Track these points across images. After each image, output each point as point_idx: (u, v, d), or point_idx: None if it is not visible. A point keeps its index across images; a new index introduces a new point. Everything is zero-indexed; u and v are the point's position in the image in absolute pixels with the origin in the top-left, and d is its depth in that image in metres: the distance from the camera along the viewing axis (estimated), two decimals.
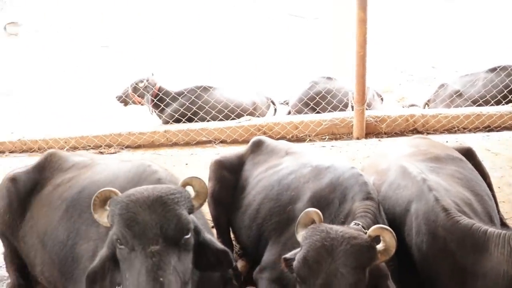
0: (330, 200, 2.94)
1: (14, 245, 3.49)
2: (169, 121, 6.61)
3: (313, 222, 2.36)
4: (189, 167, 5.13)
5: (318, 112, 6.73)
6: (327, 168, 3.19)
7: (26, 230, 3.34)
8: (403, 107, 8.37)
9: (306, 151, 3.78)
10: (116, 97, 6.99)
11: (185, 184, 2.33)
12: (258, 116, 6.73)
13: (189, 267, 2.16)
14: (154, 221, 2.06)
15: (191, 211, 2.21)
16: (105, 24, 14.28)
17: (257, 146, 3.88)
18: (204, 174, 4.80)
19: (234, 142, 6.10)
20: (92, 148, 6.16)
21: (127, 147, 6.20)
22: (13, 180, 3.47)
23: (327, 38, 10.99)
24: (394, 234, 2.22)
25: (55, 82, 10.25)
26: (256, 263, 3.21)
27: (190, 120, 6.52)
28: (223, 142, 6.16)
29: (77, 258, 2.90)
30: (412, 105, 8.05)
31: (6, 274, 3.68)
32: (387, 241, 2.20)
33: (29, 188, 3.47)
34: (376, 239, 2.24)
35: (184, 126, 6.30)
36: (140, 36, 12.18)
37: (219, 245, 2.44)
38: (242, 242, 3.52)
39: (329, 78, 7.13)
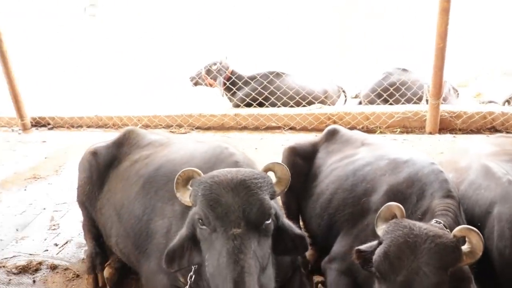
0: (407, 195, 2.83)
1: (92, 215, 3.67)
2: (240, 105, 6.67)
3: (394, 216, 2.29)
4: (258, 151, 5.15)
5: (390, 104, 6.53)
6: (405, 162, 3.07)
7: (104, 202, 3.50)
8: (480, 103, 7.96)
9: (383, 143, 3.66)
10: (189, 78, 7.12)
11: (267, 169, 2.32)
12: (329, 105, 6.65)
13: (268, 252, 2.15)
14: (237, 204, 2.06)
15: (272, 197, 2.20)
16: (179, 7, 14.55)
17: (332, 135, 3.82)
18: (273, 159, 4.83)
19: (304, 129, 6.06)
20: (163, 127, 6.33)
21: (197, 128, 6.30)
22: (94, 153, 3.65)
23: (395, 29, 10.64)
24: (482, 237, 2.10)
25: (131, 62, 10.59)
26: (324, 252, 3.17)
27: (260, 105, 6.54)
28: (292, 128, 6.13)
29: (151, 233, 2.98)
30: (491, 102, 7.63)
31: (84, 242, 3.88)
32: (474, 243, 2.09)
33: (108, 162, 3.63)
34: (461, 240, 2.14)
35: (254, 110, 6.32)
36: (213, 18, 12.30)
37: (297, 230, 2.42)
38: (311, 230, 3.48)
39: (404, 69, 6.88)
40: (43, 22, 17.16)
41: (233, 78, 6.73)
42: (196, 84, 7.12)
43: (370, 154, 3.34)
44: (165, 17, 14.31)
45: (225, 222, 2.04)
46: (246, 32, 11.53)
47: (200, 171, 2.31)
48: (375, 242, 2.30)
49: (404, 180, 2.92)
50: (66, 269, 3.71)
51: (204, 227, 2.12)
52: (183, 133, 6.19)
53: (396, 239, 2.12)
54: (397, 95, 6.55)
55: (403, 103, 6.52)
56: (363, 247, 2.36)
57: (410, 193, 2.84)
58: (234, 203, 2.06)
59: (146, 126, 6.32)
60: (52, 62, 11.29)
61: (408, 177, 2.92)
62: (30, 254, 3.94)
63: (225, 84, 6.78)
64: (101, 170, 3.58)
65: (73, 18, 19.08)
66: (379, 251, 2.15)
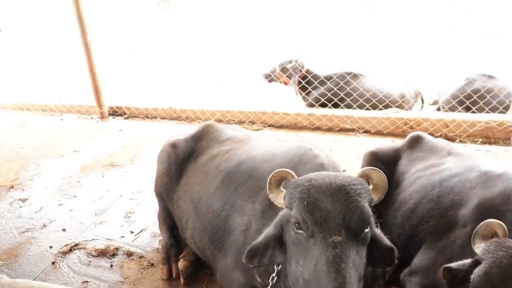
0: (502, 212, 2.63)
1: (168, 206, 3.74)
2: (314, 105, 6.57)
3: (494, 234, 2.13)
4: (332, 153, 5.05)
5: (473, 112, 6.20)
6: (499, 175, 2.86)
7: (181, 194, 3.54)
8: None
9: (472, 153, 3.45)
10: (263, 75, 7.11)
11: (363, 175, 2.22)
12: (406, 110, 6.42)
13: (364, 262, 2.07)
14: (337, 210, 1.98)
15: (370, 204, 2.10)
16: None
17: (416, 142, 3.66)
18: (347, 162, 4.74)
19: (379, 133, 5.89)
20: (235, 123, 6.37)
21: (270, 126, 6.29)
22: (173, 146, 3.71)
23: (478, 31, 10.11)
24: None
25: (204, 56, 10.76)
26: (403, 263, 3.04)
27: (335, 105, 6.41)
28: (366, 132, 5.97)
29: (229, 229, 2.98)
30: None
31: (158, 231, 3.97)
32: None
33: (187, 155, 3.68)
34: None
35: (328, 111, 6.22)
36: (289, 14, 12.25)
37: (387, 241, 2.32)
38: (390, 239, 3.37)
39: (490, 76, 6.49)
40: (119, 15, 17.86)
41: (309, 77, 6.64)
42: (270, 81, 7.10)
43: (458, 165, 3.16)
44: (239, 11, 14.45)
45: (324, 228, 1.96)
46: (322, 30, 11.40)
47: (293, 173, 2.26)
48: (468, 261, 2.15)
49: (499, 195, 2.72)
50: (141, 257, 3.81)
51: (300, 231, 2.05)
52: (256, 130, 6.19)
53: (499, 260, 1.96)
54: (481, 103, 6.18)
55: (487, 112, 6.17)
56: (453, 265, 2.22)
57: (505, 209, 2.63)
58: (334, 209, 1.98)
59: (219, 121, 6.38)
60: (129, 54, 11.70)
61: (503, 192, 2.72)
62: (108, 239, 4.09)
63: (300, 83, 6.71)
64: (179, 163, 3.64)
65: (147, 12, 19.75)
66: (479, 271, 2.00)
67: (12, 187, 5.25)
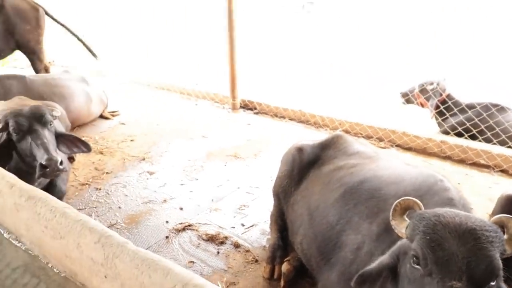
0: None
1: (283, 208, 3.73)
2: (450, 133, 6.12)
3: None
4: (460, 188, 4.66)
5: None
6: None
7: (298, 198, 3.51)
8: None
9: None
10: (400, 93, 6.81)
11: (497, 222, 1.99)
12: None
13: None
14: (462, 254, 1.81)
15: (501, 256, 1.88)
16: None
17: None
18: (476, 201, 4.33)
19: None
20: (363, 137, 6.18)
21: (397, 146, 6.01)
22: (300, 150, 3.69)
23: None
24: None
25: (344, 62, 10.65)
26: None
27: (472, 137, 5.90)
28: (503, 171, 5.41)
29: (340, 244, 2.88)
30: None
31: (268, 230, 3.99)
32: None
33: (311, 161, 3.64)
34: None
35: (464, 142, 5.75)
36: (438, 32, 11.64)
37: None
38: None
39: None
40: (264, 13, 18.34)
41: (449, 102, 6.19)
42: (407, 101, 6.77)
43: None
44: (385, 21, 14.06)
45: (444, 270, 1.80)
46: (467, 55, 10.65)
47: (421, 204, 2.10)
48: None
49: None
50: (247, 250, 3.86)
51: (417, 266, 1.92)
52: (382, 148, 5.95)
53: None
54: None
55: None
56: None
57: None
58: (459, 252, 1.81)
59: (346, 132, 6.24)
60: (267, 51, 11.98)
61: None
62: (219, 227, 4.20)
63: (438, 107, 6.29)
64: (303, 167, 3.61)
65: (291, 14, 20.03)
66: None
67: (144, 159, 5.66)
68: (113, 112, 7.28)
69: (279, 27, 15.97)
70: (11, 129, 3.92)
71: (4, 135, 4.00)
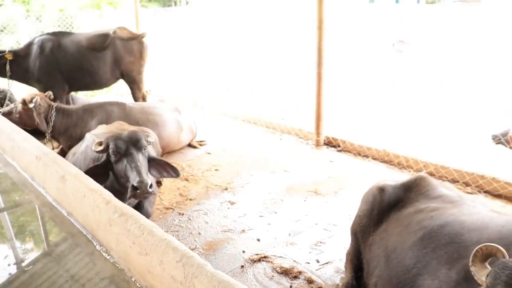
0: None
1: (360, 248, 3.69)
2: None
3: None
4: None
5: None
6: None
7: (376, 239, 3.47)
8: None
9: None
10: (492, 136, 6.49)
11: None
12: None
13: None
14: None
15: None
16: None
17: None
18: None
19: None
20: (448, 181, 5.94)
21: (486, 192, 5.70)
22: (381, 190, 3.66)
23: None
24: None
25: (431, 102, 10.37)
26: None
27: None
28: None
29: None
30: None
31: (343, 268, 3.96)
32: None
33: (392, 202, 3.58)
34: None
35: None
36: None
37: None
38: None
39: None
40: (353, 51, 18.40)
41: None
42: (497, 143, 6.44)
43: None
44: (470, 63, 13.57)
45: None
46: None
47: (505, 252, 2.02)
48: None
49: None
50: (320, 287, 3.85)
51: None
52: (468, 193, 5.69)
53: None
54: None
55: None
56: None
57: None
58: None
59: (431, 174, 6.04)
60: (357, 90, 11.97)
61: None
62: (294, 261, 4.23)
63: None
64: (383, 208, 3.57)
65: (381, 52, 19.91)
66: None
67: (226, 189, 5.87)
68: (201, 141, 7.63)
69: (368, 65, 15.95)
70: (110, 151, 4.28)
71: (104, 156, 4.37)
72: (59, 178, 3.83)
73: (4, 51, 7.56)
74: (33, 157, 4.51)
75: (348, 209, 5.12)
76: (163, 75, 9.11)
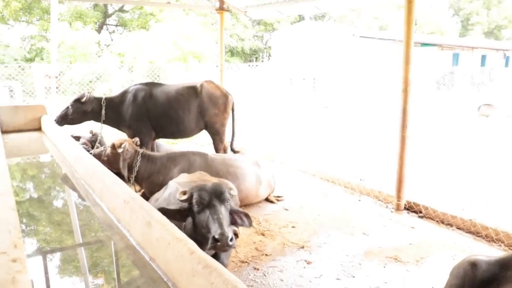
0: None
1: None
2: None
3: None
4: None
5: None
6: None
7: None
8: None
9: None
10: None
11: None
12: None
13: None
14: None
15: None
16: None
17: None
18: None
19: None
20: None
21: None
22: (473, 264, 3.41)
23: None
24: None
25: (506, 171, 9.77)
26: None
27: None
28: None
29: None
30: None
31: None
32: None
33: (486, 280, 3.32)
34: None
35: None
36: None
37: None
38: None
39: None
40: (438, 116, 17.95)
41: None
42: None
43: None
44: None
45: None
46: None
47: None
48: None
49: None
50: None
51: None
52: None
53: None
54: None
55: None
56: None
57: None
58: None
59: None
60: (441, 154, 11.55)
61: None
62: None
63: None
64: (475, 284, 3.32)
65: (466, 115, 19.25)
66: None
67: (303, 247, 5.75)
68: (278, 197, 7.62)
69: (452, 128, 15.44)
70: (194, 201, 4.37)
71: (187, 204, 4.46)
72: (145, 223, 3.94)
73: (101, 98, 8.13)
74: (121, 200, 4.68)
75: (431, 280, 4.82)
76: (244, 128, 9.30)
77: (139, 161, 6.72)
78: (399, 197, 7.37)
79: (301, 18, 37.43)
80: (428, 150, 11.82)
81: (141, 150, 6.83)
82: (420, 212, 7.19)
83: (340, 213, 7.08)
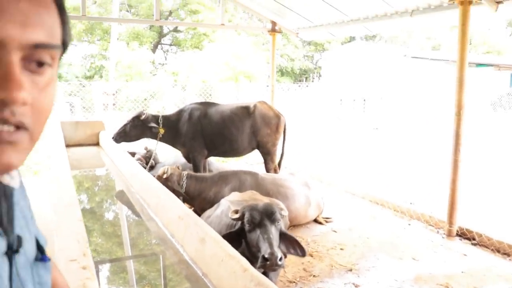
0: None
1: None
2: None
3: None
4: None
5: None
6: None
7: None
8: None
9: None
10: None
11: None
12: None
13: None
14: None
15: None
16: None
17: None
18: None
19: None
20: None
21: None
22: None
23: None
24: None
25: None
26: None
27: None
28: None
29: None
30: None
31: None
32: None
33: None
34: None
35: None
36: None
37: None
38: None
39: None
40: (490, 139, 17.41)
41: None
42: None
43: None
44: None
45: None
46: None
47: None
48: None
49: None
50: None
51: None
52: None
53: None
54: None
55: None
56: None
57: None
58: None
59: None
60: (496, 179, 11.19)
61: None
62: None
63: None
64: None
65: None
66: None
67: (351, 270, 5.74)
68: (327, 218, 7.64)
69: (507, 153, 14.93)
70: (245, 220, 4.50)
71: (239, 224, 4.60)
72: (199, 240, 4.10)
73: (158, 116, 8.47)
74: (176, 216, 4.88)
75: None
76: (294, 148, 9.40)
77: (185, 182, 6.93)
78: (451, 222, 7.22)
79: (351, 38, 37.36)
80: (483, 174, 11.48)
81: (185, 173, 7.05)
82: (473, 239, 7.01)
83: (389, 236, 7.01)
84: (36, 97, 0.84)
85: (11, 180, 0.98)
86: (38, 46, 0.83)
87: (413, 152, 14.62)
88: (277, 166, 8.87)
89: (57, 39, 0.88)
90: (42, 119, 0.87)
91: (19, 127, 0.82)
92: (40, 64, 0.85)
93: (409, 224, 7.71)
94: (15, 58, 0.80)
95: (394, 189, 9.78)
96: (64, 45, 0.93)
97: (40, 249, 1.05)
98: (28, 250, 1.00)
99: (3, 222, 0.94)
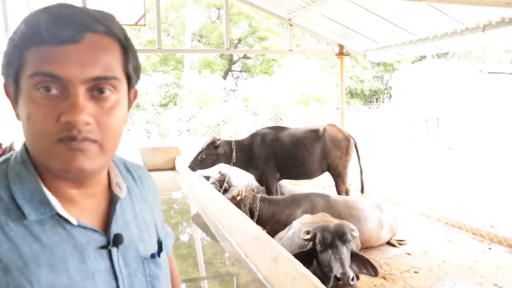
0: None
1: None
2: None
3: None
4: None
5: None
6: None
7: None
8: None
9: None
10: None
11: None
12: None
13: None
14: None
15: None
16: None
17: None
18: None
19: None
20: None
21: None
22: None
23: None
24: None
25: None
26: None
27: None
28: None
29: None
30: None
31: None
32: None
33: None
34: None
35: None
36: None
37: None
38: None
39: None
40: None
41: None
42: None
43: None
44: None
45: None
46: None
47: None
48: None
49: None
50: None
51: None
52: None
53: None
54: None
55: None
56: None
57: None
58: None
59: None
60: None
61: None
62: None
63: None
64: None
65: None
66: None
67: None
68: (400, 240, 7.51)
69: None
70: (317, 240, 4.60)
71: (310, 244, 4.71)
72: (272, 259, 4.25)
73: (231, 141, 8.79)
74: (249, 236, 5.07)
75: None
76: (366, 171, 9.34)
77: (258, 204, 7.11)
78: None
79: (422, 57, 36.45)
80: None
81: (259, 195, 7.24)
82: None
83: (467, 261, 6.76)
84: (101, 117, 1.04)
85: (120, 191, 1.24)
86: (96, 79, 1.03)
87: (490, 172, 13.96)
88: (349, 188, 8.87)
89: (113, 72, 1.09)
90: (109, 134, 1.07)
91: (86, 139, 1.04)
92: (102, 91, 1.05)
93: (490, 248, 7.39)
94: (80, 90, 1.01)
95: (472, 211, 9.41)
96: (128, 76, 1.14)
97: (160, 247, 1.32)
98: (140, 247, 1.24)
99: (104, 223, 1.19)
